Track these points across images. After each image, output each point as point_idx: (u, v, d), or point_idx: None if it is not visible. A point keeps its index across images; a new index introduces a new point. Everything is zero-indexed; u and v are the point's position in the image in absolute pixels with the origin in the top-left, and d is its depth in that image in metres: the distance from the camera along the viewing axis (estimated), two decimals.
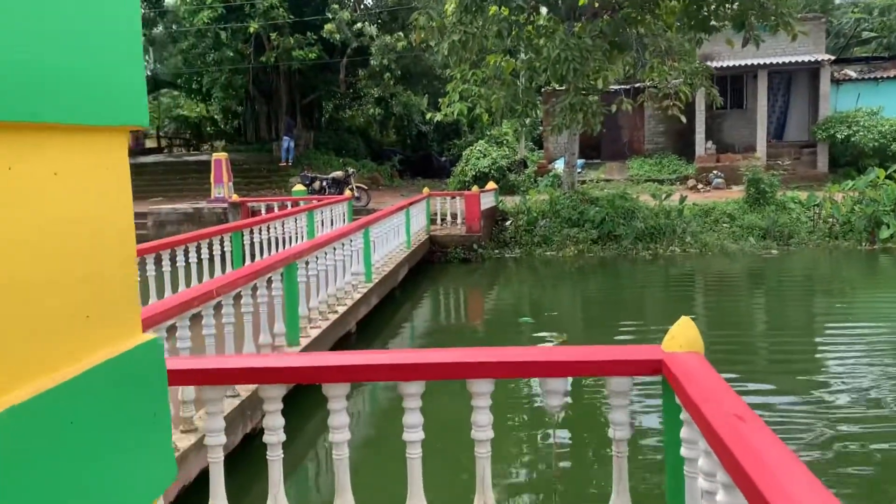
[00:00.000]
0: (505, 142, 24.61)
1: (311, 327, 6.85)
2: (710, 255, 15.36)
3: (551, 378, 2.64)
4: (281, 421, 2.78)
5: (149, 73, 36.99)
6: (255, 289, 5.49)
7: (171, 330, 4.18)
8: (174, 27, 28.79)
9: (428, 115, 15.92)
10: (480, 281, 14.04)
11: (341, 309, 7.75)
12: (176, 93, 36.60)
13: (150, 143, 36.10)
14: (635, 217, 16.24)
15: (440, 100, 15.53)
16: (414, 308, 11.35)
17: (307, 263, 6.77)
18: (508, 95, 14.03)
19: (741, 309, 11.40)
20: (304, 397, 6.14)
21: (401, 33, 25.27)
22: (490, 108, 14.02)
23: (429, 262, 14.50)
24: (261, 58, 25.64)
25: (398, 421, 2.71)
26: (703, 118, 23.75)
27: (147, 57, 38.64)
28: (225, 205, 16.47)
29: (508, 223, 16.79)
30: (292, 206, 13.94)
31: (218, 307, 4.87)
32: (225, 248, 9.16)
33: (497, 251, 15.78)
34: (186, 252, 8.09)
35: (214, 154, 17.51)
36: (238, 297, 5.13)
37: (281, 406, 2.76)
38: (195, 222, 16.39)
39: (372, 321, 9.33)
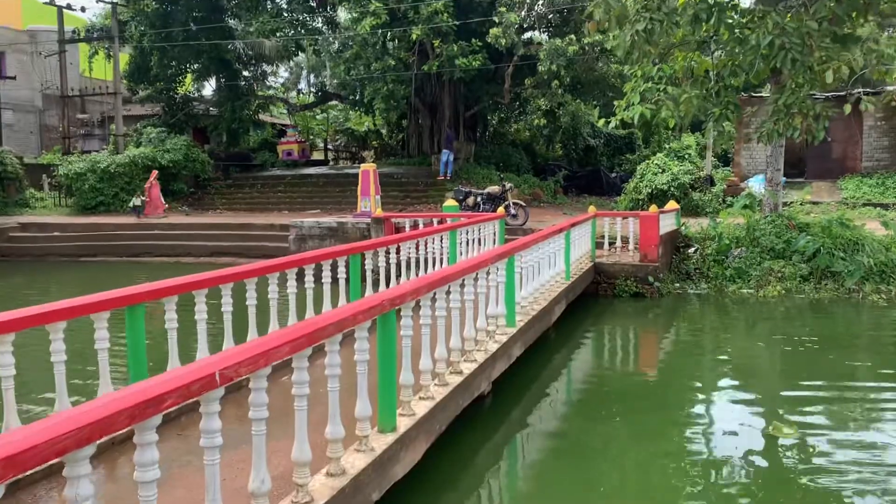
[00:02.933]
0: (687, 156, 21.56)
1: (419, 398, 4.86)
2: None
3: None
4: None
5: (320, 87, 37.47)
6: (313, 354, 3.58)
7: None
8: (348, 42, 28.47)
9: (600, 122, 13.58)
10: (657, 322, 11.44)
11: (468, 367, 5.70)
12: (342, 106, 36.67)
13: (316, 156, 36.38)
14: (860, 250, 12.86)
15: (616, 103, 13.13)
16: (570, 356, 9.06)
17: (418, 307, 4.80)
18: (702, 95, 11.40)
19: None
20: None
21: (572, 36, 23.04)
22: (679, 110, 11.42)
23: (592, 296, 12.11)
24: (423, 66, 24.47)
25: None
26: None
27: (325, 72, 39.23)
28: (368, 219, 15.08)
29: (693, 251, 13.99)
30: (438, 223, 12.20)
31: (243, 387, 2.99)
32: (339, 275, 7.46)
33: (678, 285, 13.05)
34: (284, 280, 6.44)
35: (362, 165, 16.26)
36: (279, 369, 3.24)
37: None
38: (339, 237, 15.16)
39: (514, 375, 7.22)
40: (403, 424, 4.41)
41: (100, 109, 35.64)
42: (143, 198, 23.20)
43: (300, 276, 6.58)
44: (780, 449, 5.77)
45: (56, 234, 21.45)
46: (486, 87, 27.55)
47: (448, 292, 5.36)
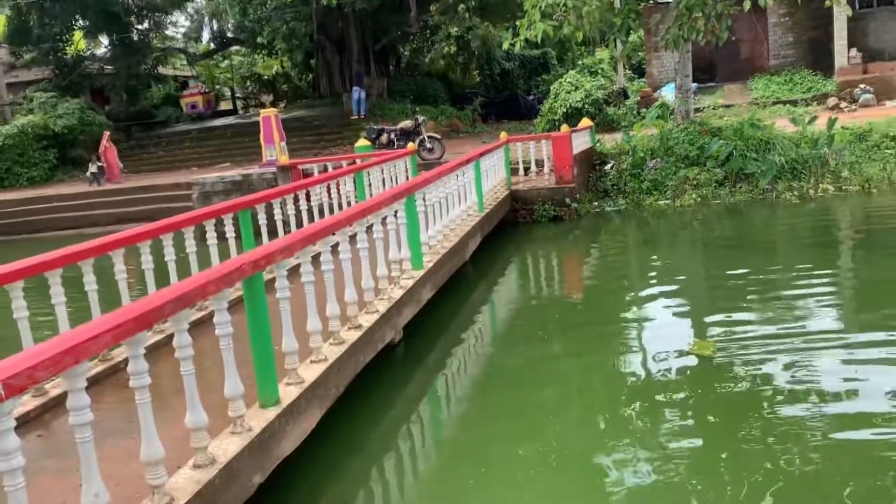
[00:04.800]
0: (600, 71, 21.29)
1: (310, 362, 4.46)
2: (875, 192, 11.92)
3: None
4: None
5: (217, 32, 35.37)
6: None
7: None
8: None
9: (505, 44, 13.01)
10: (578, 243, 11.29)
11: (369, 319, 5.31)
12: (245, 51, 34.82)
13: (225, 106, 34.70)
14: (772, 149, 12.90)
15: (517, 22, 12.58)
16: (490, 290, 8.80)
17: (287, 273, 4.35)
18: (604, 6, 10.98)
19: None
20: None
21: None
22: (581, 24, 10.99)
23: (511, 224, 11.84)
24: (322, 1, 23.23)
25: None
26: (843, 21, 19.53)
27: (227, 17, 36.92)
28: (274, 169, 14.35)
29: (609, 167, 13.82)
30: (350, 165, 11.63)
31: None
32: (228, 233, 6.91)
33: (596, 204, 12.89)
34: (161, 246, 5.86)
35: (262, 112, 15.32)
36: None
37: None
38: (244, 190, 14.35)
39: (429, 318, 6.89)
40: (290, 395, 4.02)
41: None
42: (100, 163, 21.46)
43: (178, 241, 6.01)
44: (713, 357, 5.69)
45: None
46: (393, 17, 26.47)
47: (335, 245, 4.92)
